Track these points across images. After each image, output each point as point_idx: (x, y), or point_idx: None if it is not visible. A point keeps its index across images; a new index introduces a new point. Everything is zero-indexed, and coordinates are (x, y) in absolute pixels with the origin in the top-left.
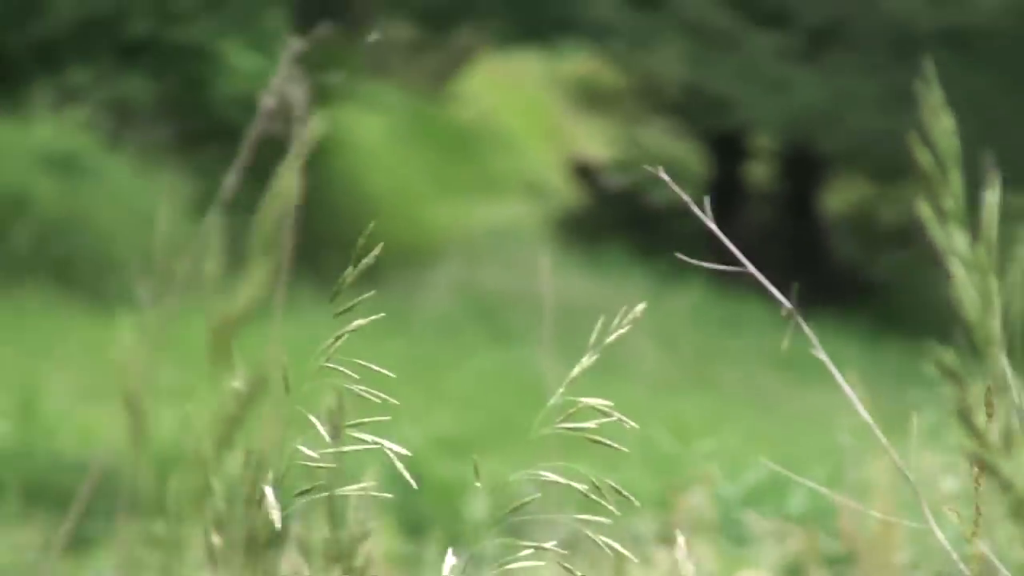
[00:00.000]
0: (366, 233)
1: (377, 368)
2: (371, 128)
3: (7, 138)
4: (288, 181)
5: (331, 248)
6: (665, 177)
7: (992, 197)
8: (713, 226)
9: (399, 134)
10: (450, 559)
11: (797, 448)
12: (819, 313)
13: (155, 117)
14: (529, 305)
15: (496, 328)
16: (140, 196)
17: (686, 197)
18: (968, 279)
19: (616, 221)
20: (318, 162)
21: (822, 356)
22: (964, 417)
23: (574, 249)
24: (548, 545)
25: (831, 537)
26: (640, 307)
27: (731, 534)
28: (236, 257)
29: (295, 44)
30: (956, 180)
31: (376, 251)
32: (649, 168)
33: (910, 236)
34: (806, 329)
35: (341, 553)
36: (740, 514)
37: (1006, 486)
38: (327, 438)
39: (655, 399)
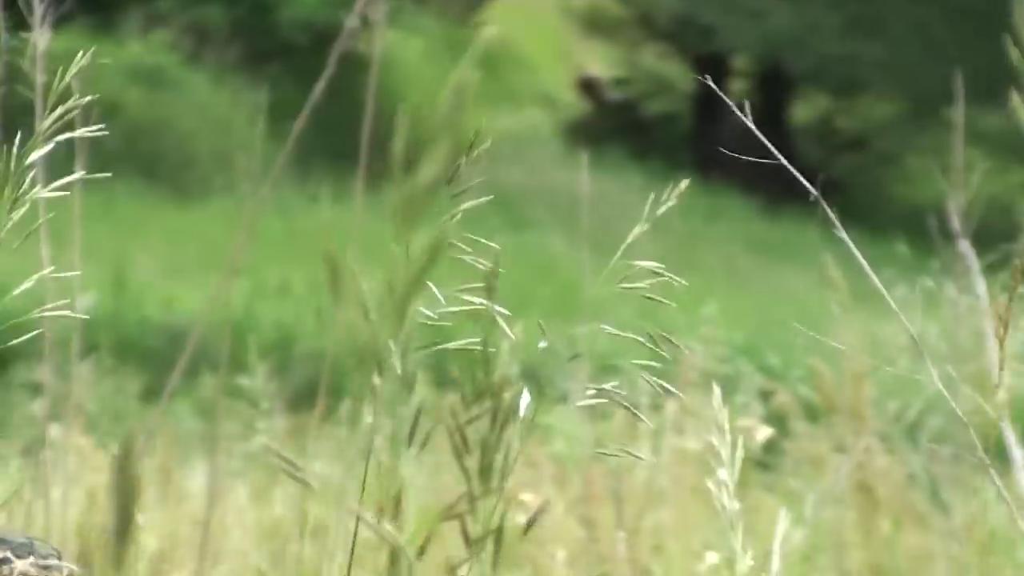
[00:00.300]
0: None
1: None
2: (413, 49)
3: (103, 55)
4: (371, 89)
5: (378, 145)
6: (710, 85)
7: None
8: (751, 125)
9: (435, 54)
10: (525, 397)
11: (770, 318)
12: (787, 207)
13: (228, 38)
14: (541, 197)
15: (513, 217)
16: (215, 105)
17: (729, 101)
18: None
19: (615, 128)
20: (368, 75)
21: (851, 248)
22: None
23: (579, 151)
24: (608, 386)
25: (809, 392)
26: (685, 182)
27: (726, 386)
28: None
29: None
30: None
31: (486, 143)
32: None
33: (864, 142)
34: (846, 239)
35: (491, 393)
36: (734, 368)
37: None
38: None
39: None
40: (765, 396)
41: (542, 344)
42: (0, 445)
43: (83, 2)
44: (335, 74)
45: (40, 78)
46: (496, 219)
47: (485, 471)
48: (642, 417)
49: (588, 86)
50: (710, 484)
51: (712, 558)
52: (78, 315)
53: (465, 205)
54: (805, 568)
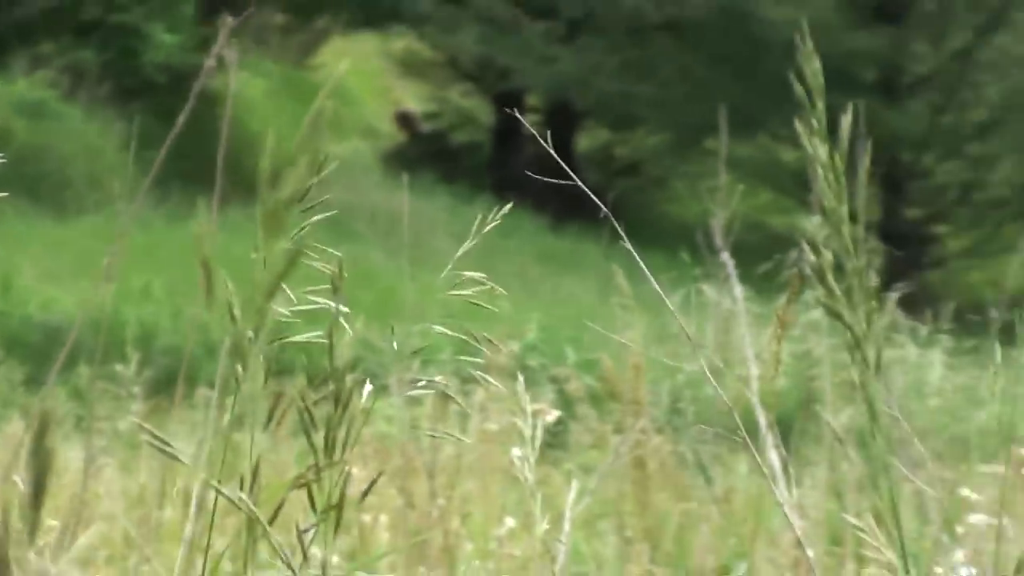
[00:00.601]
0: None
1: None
2: (256, 87)
3: None
4: (222, 122)
5: (228, 170)
6: (517, 115)
7: (846, 122)
8: (551, 151)
9: (275, 92)
10: (367, 385)
11: (557, 318)
12: (571, 224)
13: (100, 77)
14: (363, 214)
15: (340, 231)
16: (89, 134)
17: (531, 130)
18: (825, 178)
19: (427, 155)
20: (218, 109)
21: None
22: (820, 275)
23: (396, 175)
24: (438, 378)
25: (596, 380)
26: (507, 206)
27: (526, 377)
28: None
29: (228, 22)
30: (821, 108)
31: (325, 169)
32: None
33: (637, 168)
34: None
35: (335, 378)
36: (531, 361)
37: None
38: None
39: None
40: (557, 383)
41: (383, 341)
42: None
43: None
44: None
45: None
46: (325, 232)
47: (329, 446)
48: (460, 403)
49: (404, 119)
50: (514, 458)
51: (511, 523)
52: None
53: (314, 219)
54: (589, 532)
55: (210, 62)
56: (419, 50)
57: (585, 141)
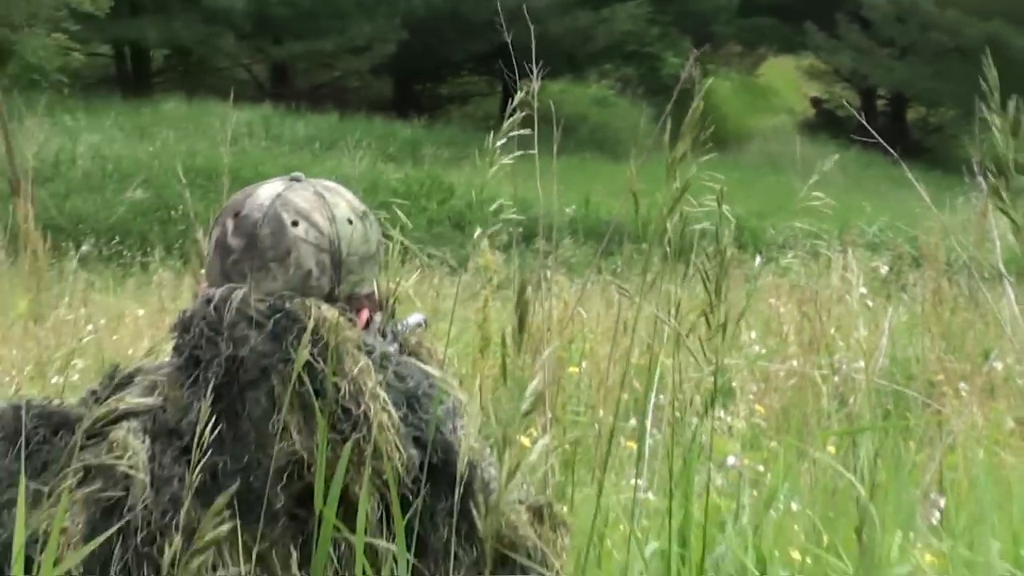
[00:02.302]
0: None
1: None
2: (723, 88)
3: None
4: None
5: None
6: None
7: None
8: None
9: (735, 90)
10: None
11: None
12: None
13: (637, 83)
14: (786, 159)
15: (757, 169)
16: (632, 115)
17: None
18: None
19: (825, 123)
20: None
21: None
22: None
23: (809, 135)
24: None
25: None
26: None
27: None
28: None
29: (694, 51)
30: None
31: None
32: None
33: (940, 130)
34: None
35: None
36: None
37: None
38: None
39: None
40: (893, 251)
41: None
42: None
43: None
44: None
45: None
46: (735, 168)
47: (717, 289)
48: (824, 258)
49: (814, 101)
50: (854, 295)
51: (863, 330)
52: None
53: (705, 158)
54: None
55: (685, 74)
56: (816, 64)
57: (911, 114)
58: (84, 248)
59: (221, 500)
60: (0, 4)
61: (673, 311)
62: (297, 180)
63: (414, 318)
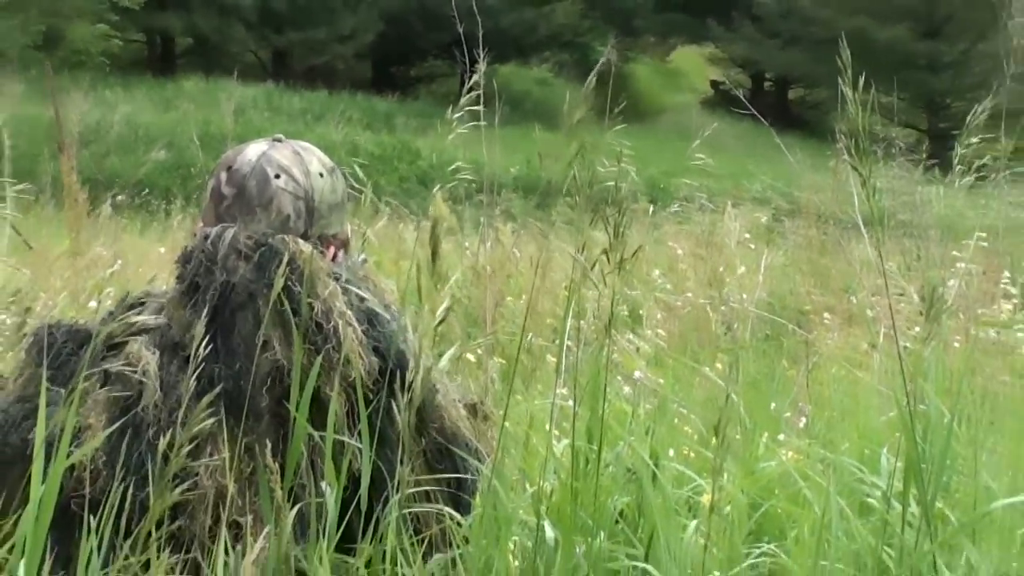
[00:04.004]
0: None
1: None
2: (641, 71)
3: None
4: None
5: None
6: None
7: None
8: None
9: (651, 72)
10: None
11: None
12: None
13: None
14: (681, 129)
15: (660, 136)
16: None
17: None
18: None
19: (722, 101)
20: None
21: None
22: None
23: (708, 109)
24: None
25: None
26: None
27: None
28: None
29: (612, 41)
30: None
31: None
32: None
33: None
34: None
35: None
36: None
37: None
38: None
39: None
40: (772, 204)
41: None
42: None
43: None
44: None
45: None
46: (642, 138)
47: (617, 231)
48: (704, 208)
49: (713, 83)
50: (731, 239)
51: (743, 269)
52: None
53: (618, 127)
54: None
55: (604, 60)
56: (716, 53)
57: (793, 94)
58: (117, 198)
59: (207, 398)
60: (52, 1)
61: (582, 249)
62: (279, 141)
63: (360, 256)
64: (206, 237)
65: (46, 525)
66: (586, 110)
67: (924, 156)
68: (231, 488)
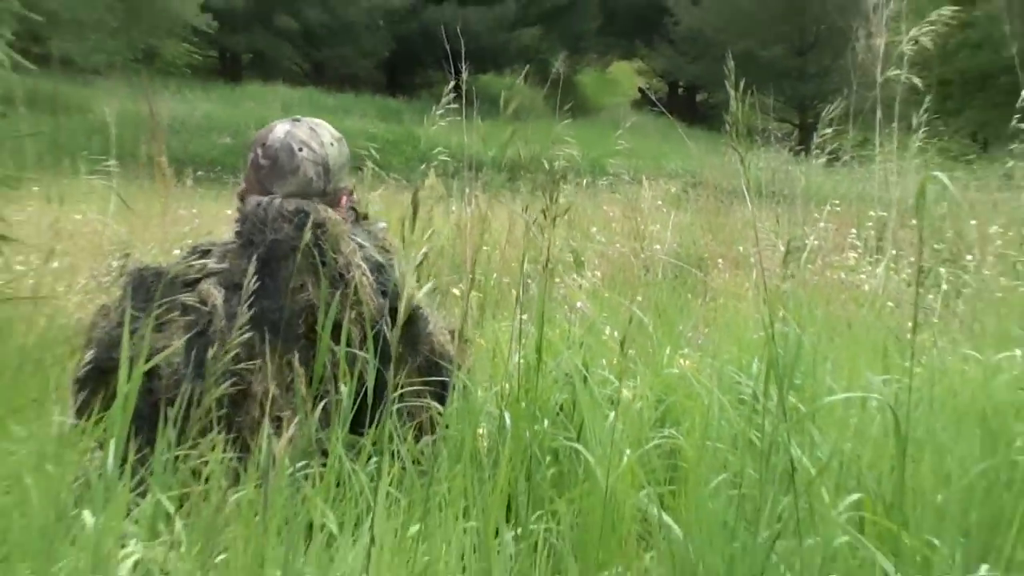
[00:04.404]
0: None
1: None
2: (586, 77)
3: None
4: None
5: None
6: None
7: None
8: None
9: (595, 79)
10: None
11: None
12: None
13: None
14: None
15: (598, 130)
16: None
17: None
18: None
19: (646, 102)
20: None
21: None
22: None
23: (638, 109)
24: None
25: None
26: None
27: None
28: None
29: (561, 57)
30: None
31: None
32: None
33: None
34: None
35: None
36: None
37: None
38: None
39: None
40: (680, 178)
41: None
42: None
43: None
44: None
45: None
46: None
47: (551, 199)
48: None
49: (640, 90)
50: (644, 205)
51: (657, 227)
52: None
53: (565, 122)
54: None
55: (556, 70)
56: (643, 66)
57: (700, 97)
58: (196, 173)
59: (243, 318)
60: (151, 26)
61: (525, 210)
62: (297, 121)
63: (382, 223)
64: (258, 204)
65: (131, 412)
66: (519, 101)
67: (794, 143)
68: (272, 390)
